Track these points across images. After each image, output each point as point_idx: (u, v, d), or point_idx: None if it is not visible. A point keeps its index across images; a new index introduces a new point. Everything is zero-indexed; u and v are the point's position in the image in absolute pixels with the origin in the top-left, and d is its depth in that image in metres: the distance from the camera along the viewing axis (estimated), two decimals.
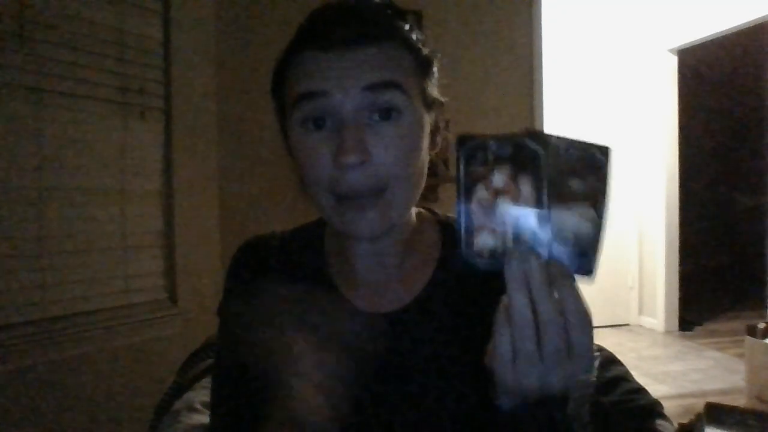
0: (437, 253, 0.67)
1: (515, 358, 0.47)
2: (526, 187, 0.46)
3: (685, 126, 4.65)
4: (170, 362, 1.35)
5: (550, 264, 0.47)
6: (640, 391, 1.11)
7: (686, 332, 4.55)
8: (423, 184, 0.63)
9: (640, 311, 4.83)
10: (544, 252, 0.47)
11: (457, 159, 0.47)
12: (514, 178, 0.46)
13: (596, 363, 1.17)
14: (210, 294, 1.99)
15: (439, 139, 0.65)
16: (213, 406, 0.72)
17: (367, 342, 0.64)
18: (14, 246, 1.63)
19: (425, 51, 0.63)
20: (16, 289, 1.63)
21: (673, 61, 4.52)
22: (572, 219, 0.46)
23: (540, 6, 2.76)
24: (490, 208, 0.47)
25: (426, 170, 0.63)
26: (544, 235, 0.46)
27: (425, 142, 0.61)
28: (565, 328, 0.46)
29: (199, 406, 1.08)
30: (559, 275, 0.46)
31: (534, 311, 0.46)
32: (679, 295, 4.64)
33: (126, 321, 1.87)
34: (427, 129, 0.62)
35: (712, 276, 5.58)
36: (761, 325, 2.99)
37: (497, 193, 0.47)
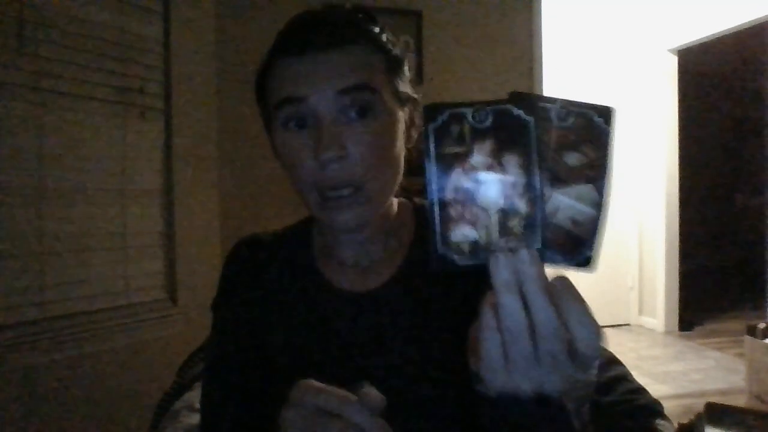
0: (411, 236, 0.71)
1: (507, 364, 0.41)
2: (512, 165, 0.39)
3: (685, 126, 4.65)
4: (170, 362, 1.35)
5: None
6: (640, 391, 1.11)
7: (686, 332, 4.55)
8: (400, 176, 0.67)
9: (640, 311, 4.83)
10: (536, 243, 0.39)
11: (426, 135, 0.39)
12: (497, 154, 0.39)
13: (596, 362, 1.17)
14: (210, 294, 1.97)
15: (414, 134, 0.69)
16: (204, 397, 0.74)
17: (350, 319, 0.68)
18: (14, 246, 1.63)
19: (395, 51, 0.66)
20: (16, 289, 1.63)
21: (673, 61, 4.52)
22: (569, 201, 0.39)
23: (540, 6, 2.76)
24: (469, 194, 0.39)
25: (402, 163, 0.67)
26: (537, 222, 0.39)
27: (400, 137, 0.66)
28: (564, 329, 0.40)
29: (198, 406, 1.08)
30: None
31: (527, 312, 0.40)
32: (679, 295, 4.64)
33: (126, 321, 1.87)
34: (401, 125, 0.66)
35: (712, 276, 5.59)
36: (761, 325, 2.99)
37: (478, 175, 0.39)
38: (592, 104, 0.39)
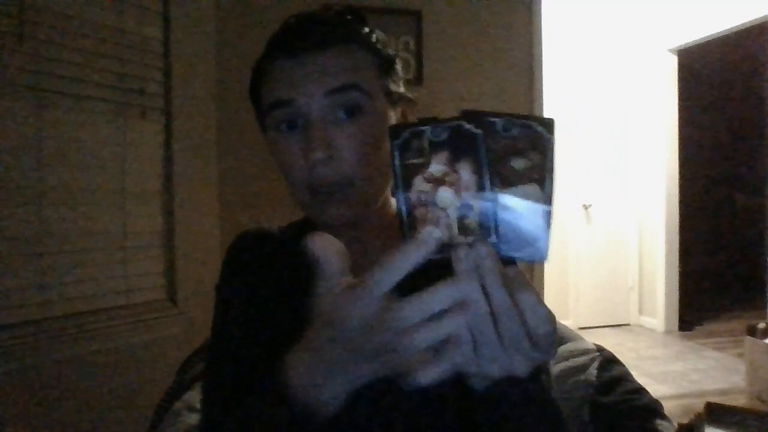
0: None
1: (475, 349, 0.45)
2: (466, 172, 0.44)
3: (685, 126, 4.66)
4: (170, 362, 1.35)
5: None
6: (640, 391, 1.11)
7: (686, 332, 4.56)
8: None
9: (640, 311, 4.84)
10: (491, 238, 0.44)
11: (392, 151, 0.45)
12: (453, 164, 0.44)
13: (596, 363, 1.17)
14: (210, 294, 1.98)
15: None
16: (208, 378, 0.72)
17: None
18: (14, 246, 1.63)
19: (386, 51, 0.67)
20: (16, 289, 1.63)
21: (673, 61, 4.52)
22: (518, 201, 0.44)
23: (540, 6, 2.76)
24: (431, 199, 0.45)
25: None
26: (490, 219, 0.44)
27: None
28: (521, 314, 0.44)
29: (199, 406, 1.08)
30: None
31: (488, 300, 0.44)
32: (679, 295, 4.64)
33: (126, 321, 1.87)
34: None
35: (712, 276, 5.59)
36: (761, 325, 2.99)
37: (437, 181, 0.45)
38: (534, 116, 0.44)
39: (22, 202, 1.65)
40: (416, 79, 2.53)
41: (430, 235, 0.42)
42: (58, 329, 1.69)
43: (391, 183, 0.67)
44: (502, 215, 0.44)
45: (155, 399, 1.20)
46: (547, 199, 0.44)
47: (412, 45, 2.55)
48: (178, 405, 1.12)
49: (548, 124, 0.44)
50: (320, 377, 0.47)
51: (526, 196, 0.44)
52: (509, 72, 2.73)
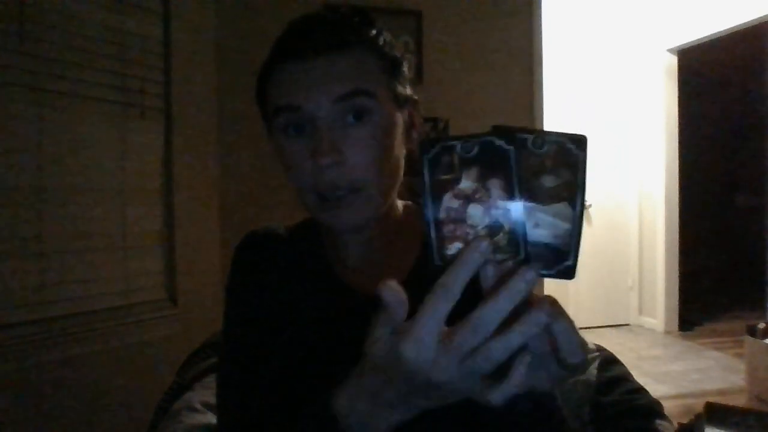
0: (421, 237, 0.70)
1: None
2: (496, 188, 0.43)
3: (685, 126, 4.65)
4: (170, 362, 1.35)
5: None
6: (640, 391, 1.11)
7: (686, 332, 4.56)
8: (400, 177, 0.67)
9: (640, 311, 4.83)
10: (520, 255, 0.44)
11: (421, 166, 0.45)
12: (483, 180, 0.44)
13: (596, 363, 1.17)
14: (210, 294, 2.00)
15: (415, 135, 0.69)
16: (222, 376, 0.72)
17: (363, 319, 0.66)
18: (14, 246, 1.63)
19: (393, 53, 0.66)
20: (16, 289, 1.63)
21: (673, 61, 4.52)
22: (548, 217, 0.43)
23: (540, 6, 2.76)
24: (460, 216, 0.44)
25: (402, 165, 0.67)
26: (519, 237, 0.44)
27: (398, 139, 0.66)
28: (547, 332, 0.43)
29: (199, 406, 1.08)
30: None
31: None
32: (679, 295, 4.64)
33: (126, 321, 1.87)
34: (400, 126, 0.66)
35: (712, 276, 5.59)
36: (761, 325, 2.99)
37: (467, 198, 0.44)
38: (566, 133, 0.44)
39: (22, 202, 1.65)
40: (416, 79, 2.53)
41: (477, 250, 0.41)
42: (58, 329, 1.70)
43: (401, 179, 0.67)
44: (531, 233, 0.44)
45: (155, 399, 1.21)
46: (576, 217, 0.44)
47: (412, 45, 2.55)
48: (178, 405, 1.12)
49: (580, 141, 0.43)
50: (380, 415, 0.47)
51: (555, 215, 0.43)
52: (509, 72, 2.73)
